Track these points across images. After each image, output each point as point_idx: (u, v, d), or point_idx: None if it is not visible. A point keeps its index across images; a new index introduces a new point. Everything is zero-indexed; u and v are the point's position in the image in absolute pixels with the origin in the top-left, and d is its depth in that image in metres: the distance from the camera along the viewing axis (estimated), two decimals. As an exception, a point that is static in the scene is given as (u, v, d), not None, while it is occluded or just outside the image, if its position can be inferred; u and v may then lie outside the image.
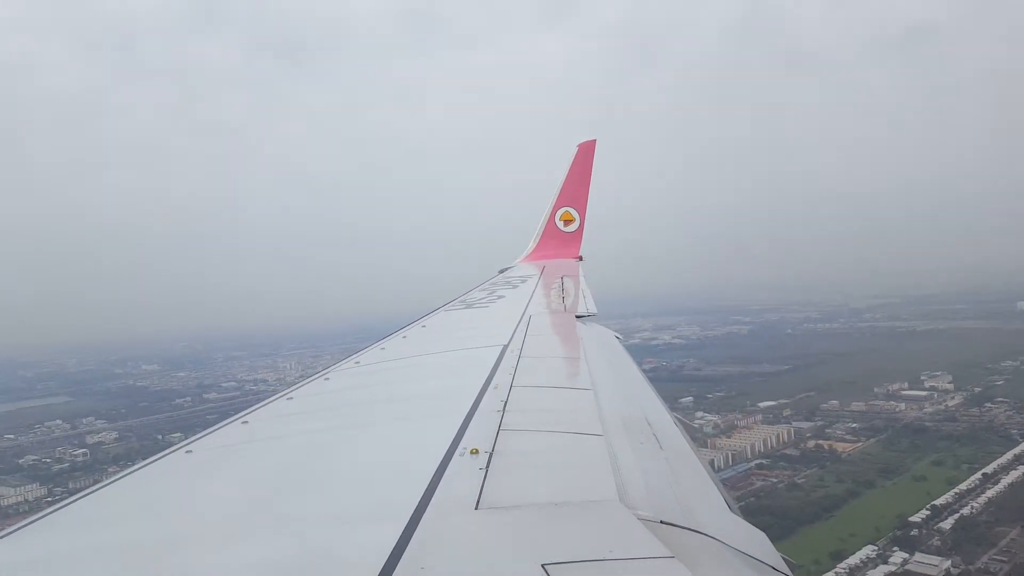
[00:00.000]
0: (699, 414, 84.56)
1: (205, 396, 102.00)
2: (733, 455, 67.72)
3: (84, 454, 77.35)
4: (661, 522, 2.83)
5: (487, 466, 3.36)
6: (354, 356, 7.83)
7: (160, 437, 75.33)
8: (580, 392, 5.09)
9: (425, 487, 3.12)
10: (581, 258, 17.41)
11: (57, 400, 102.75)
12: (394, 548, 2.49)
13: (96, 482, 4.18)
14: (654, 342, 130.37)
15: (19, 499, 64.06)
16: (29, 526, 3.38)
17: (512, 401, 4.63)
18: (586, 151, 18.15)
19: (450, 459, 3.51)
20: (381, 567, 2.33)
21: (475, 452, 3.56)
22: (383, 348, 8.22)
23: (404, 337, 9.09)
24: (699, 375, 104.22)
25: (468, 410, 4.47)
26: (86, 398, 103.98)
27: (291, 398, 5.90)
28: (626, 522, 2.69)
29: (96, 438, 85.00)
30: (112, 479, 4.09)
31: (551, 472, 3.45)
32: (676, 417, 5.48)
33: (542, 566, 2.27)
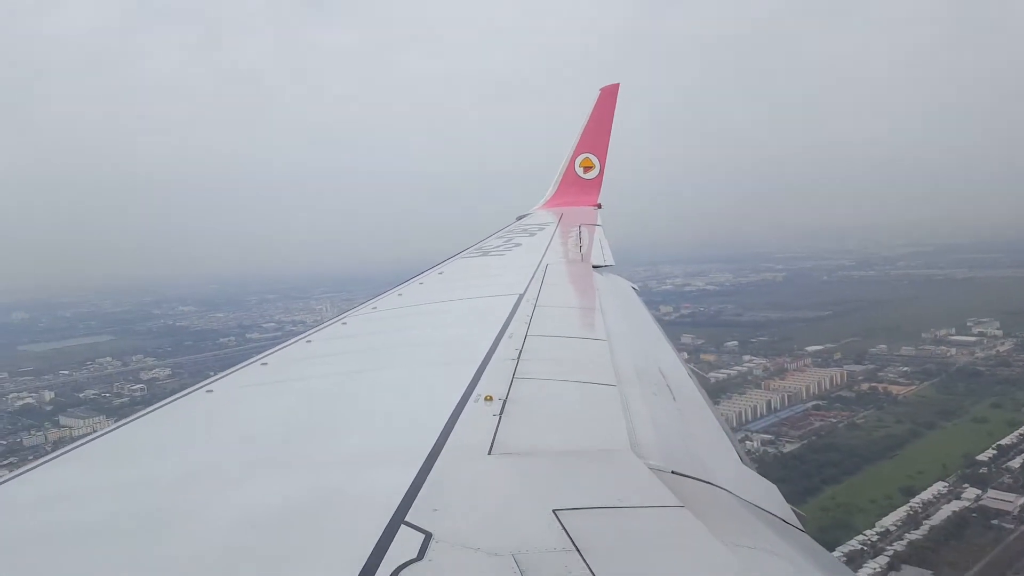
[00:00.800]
0: (746, 357, 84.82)
1: (248, 336, 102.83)
2: (789, 396, 68.12)
3: (141, 389, 78.80)
4: (672, 472, 2.88)
5: (500, 413, 3.43)
6: (371, 301, 7.93)
7: (212, 374, 75.92)
8: (595, 342, 5.15)
9: (439, 432, 3.20)
10: (600, 206, 17.12)
11: (101, 339, 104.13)
12: (408, 489, 2.57)
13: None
14: (687, 288, 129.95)
15: (88, 429, 65.44)
16: (52, 460, 3.49)
17: (527, 350, 4.70)
18: (608, 95, 17.60)
19: (464, 405, 3.59)
20: (395, 507, 2.42)
21: (489, 399, 3.63)
22: (400, 295, 8.32)
23: (421, 284, 9.16)
24: (739, 320, 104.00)
25: (483, 358, 4.54)
26: (129, 337, 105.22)
27: (309, 341, 6.05)
28: (637, 471, 2.75)
29: (150, 374, 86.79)
30: (135, 416, 4.21)
31: (564, 420, 3.53)
32: (691, 369, 5.50)
33: (553, 511, 2.34)
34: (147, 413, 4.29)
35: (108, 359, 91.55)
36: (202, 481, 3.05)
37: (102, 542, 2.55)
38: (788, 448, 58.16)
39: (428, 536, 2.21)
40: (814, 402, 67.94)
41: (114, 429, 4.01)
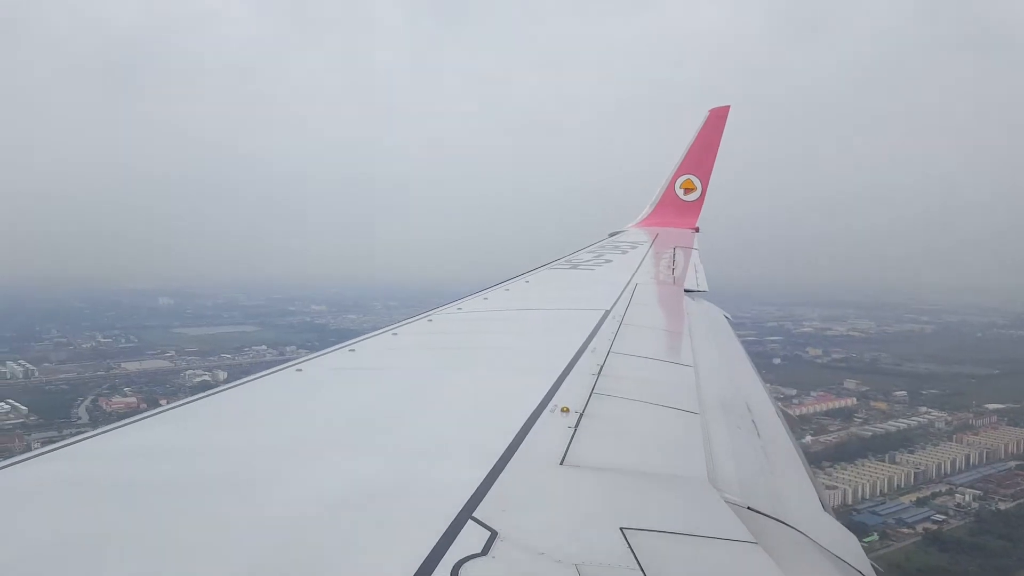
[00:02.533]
0: (922, 409, 79.75)
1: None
2: (987, 453, 63.44)
3: (305, 377, 79.48)
4: (748, 508, 2.83)
5: (576, 426, 3.43)
6: (457, 302, 8.03)
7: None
8: (680, 367, 5.10)
9: (513, 436, 3.24)
10: (698, 229, 16.69)
11: (248, 329, 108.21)
12: (478, 487, 2.62)
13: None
14: (828, 332, 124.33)
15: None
16: (143, 420, 3.70)
17: (608, 367, 4.66)
18: (717, 118, 17.09)
19: (540, 414, 3.60)
20: (465, 502, 2.47)
21: (565, 411, 3.62)
22: (485, 298, 8.37)
23: (506, 290, 9.14)
24: (899, 370, 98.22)
25: (563, 369, 4.54)
26: (273, 330, 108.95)
27: (395, 334, 6.21)
28: (712, 502, 2.72)
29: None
30: (226, 386, 4.42)
31: (641, 442, 3.51)
32: (779, 408, 5.32)
33: (620, 529, 2.33)
34: (240, 384, 4.50)
35: (263, 347, 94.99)
36: (284, 454, 3.20)
37: (185, 499, 2.67)
38: (1003, 506, 53.84)
39: (494, 534, 2.25)
40: (1015, 461, 63.06)
41: (208, 396, 4.22)
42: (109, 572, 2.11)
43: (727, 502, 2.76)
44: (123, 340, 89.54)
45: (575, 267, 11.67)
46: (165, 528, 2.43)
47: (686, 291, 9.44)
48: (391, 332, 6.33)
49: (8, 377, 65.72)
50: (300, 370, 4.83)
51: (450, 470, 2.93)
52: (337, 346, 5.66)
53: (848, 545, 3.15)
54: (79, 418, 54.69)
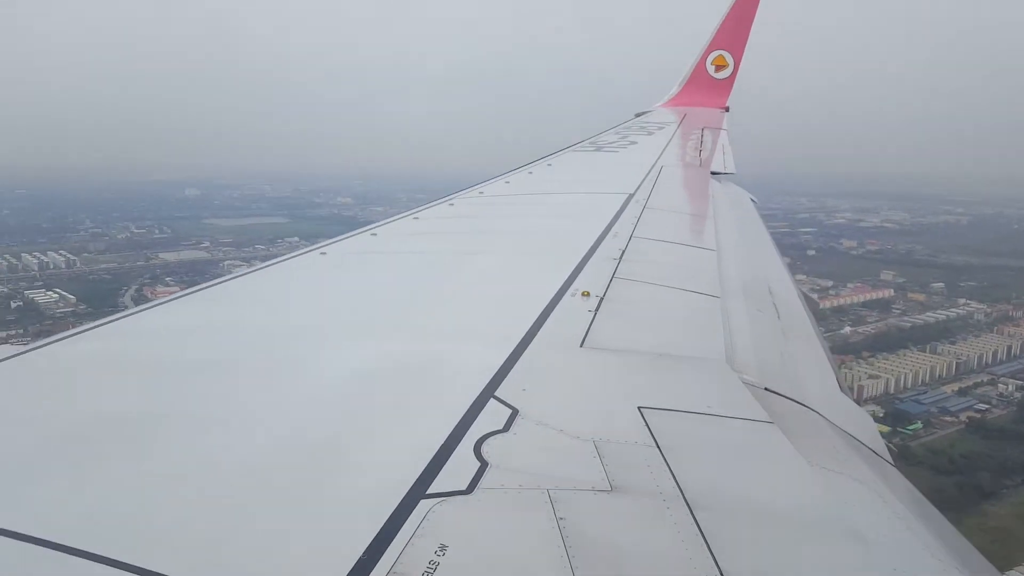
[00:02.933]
0: (961, 300, 79.27)
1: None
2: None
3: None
4: (765, 389, 2.87)
5: (596, 309, 3.46)
6: (479, 186, 7.90)
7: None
8: (702, 251, 5.06)
9: (534, 319, 3.28)
10: (727, 109, 15.88)
11: (278, 220, 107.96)
12: (500, 368, 2.69)
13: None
14: (862, 223, 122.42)
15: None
16: (174, 300, 3.85)
17: (630, 251, 4.67)
18: None
19: (560, 297, 3.64)
20: (487, 382, 2.54)
21: (586, 295, 3.66)
22: (507, 182, 8.20)
23: (529, 173, 8.92)
24: (935, 262, 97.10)
25: (584, 254, 4.56)
26: (302, 221, 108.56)
27: (417, 218, 6.18)
28: (729, 382, 2.75)
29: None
30: (252, 269, 4.56)
31: (660, 324, 3.51)
32: (800, 290, 5.29)
33: (638, 408, 2.39)
34: (266, 266, 4.55)
35: (296, 239, 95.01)
36: (308, 335, 3.27)
37: (223, 375, 2.78)
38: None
39: (515, 412, 2.32)
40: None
41: (234, 277, 4.29)
42: (140, 445, 2.18)
43: (744, 383, 2.78)
44: (156, 231, 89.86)
45: (599, 149, 11.33)
46: (198, 404, 2.51)
47: (713, 173, 9.13)
48: (412, 216, 6.28)
49: (51, 267, 66.54)
50: (324, 253, 4.87)
51: (472, 351, 2.98)
52: (359, 230, 5.63)
53: (864, 425, 3.18)
54: (126, 307, 54.71)
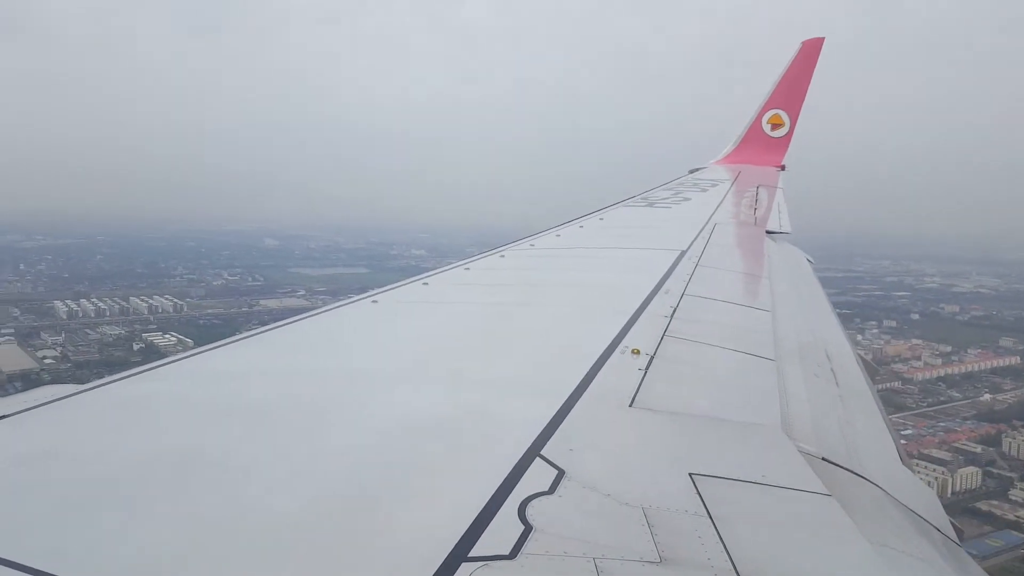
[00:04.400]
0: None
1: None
2: None
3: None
4: (823, 459, 2.77)
5: (647, 368, 3.37)
6: (529, 238, 7.91)
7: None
8: (757, 311, 4.92)
9: (582, 376, 3.20)
10: (783, 167, 15.74)
11: (360, 271, 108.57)
12: (546, 425, 2.62)
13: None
14: (956, 289, 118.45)
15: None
16: (232, 343, 3.89)
17: (682, 309, 4.58)
18: (810, 50, 16.01)
19: (610, 354, 3.56)
20: (532, 440, 2.48)
21: (636, 352, 3.57)
22: (558, 235, 8.18)
23: (580, 227, 8.91)
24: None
25: (635, 310, 4.47)
26: (383, 272, 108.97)
27: (468, 268, 6.23)
28: (785, 451, 2.66)
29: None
30: (304, 315, 4.56)
31: (713, 386, 3.41)
32: (860, 356, 5.05)
33: (689, 474, 2.31)
34: (321, 312, 4.64)
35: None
36: (356, 382, 3.27)
37: (266, 420, 2.78)
38: None
39: (561, 473, 2.24)
40: None
41: (288, 323, 4.35)
42: (191, 487, 2.19)
43: (801, 452, 2.67)
44: (249, 279, 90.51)
45: (651, 205, 11.18)
46: (241, 449, 2.51)
47: (768, 232, 8.95)
48: (463, 267, 6.29)
49: (159, 311, 67.07)
50: (375, 301, 4.88)
51: (518, 406, 2.91)
52: (410, 279, 5.64)
53: (928, 501, 3.00)
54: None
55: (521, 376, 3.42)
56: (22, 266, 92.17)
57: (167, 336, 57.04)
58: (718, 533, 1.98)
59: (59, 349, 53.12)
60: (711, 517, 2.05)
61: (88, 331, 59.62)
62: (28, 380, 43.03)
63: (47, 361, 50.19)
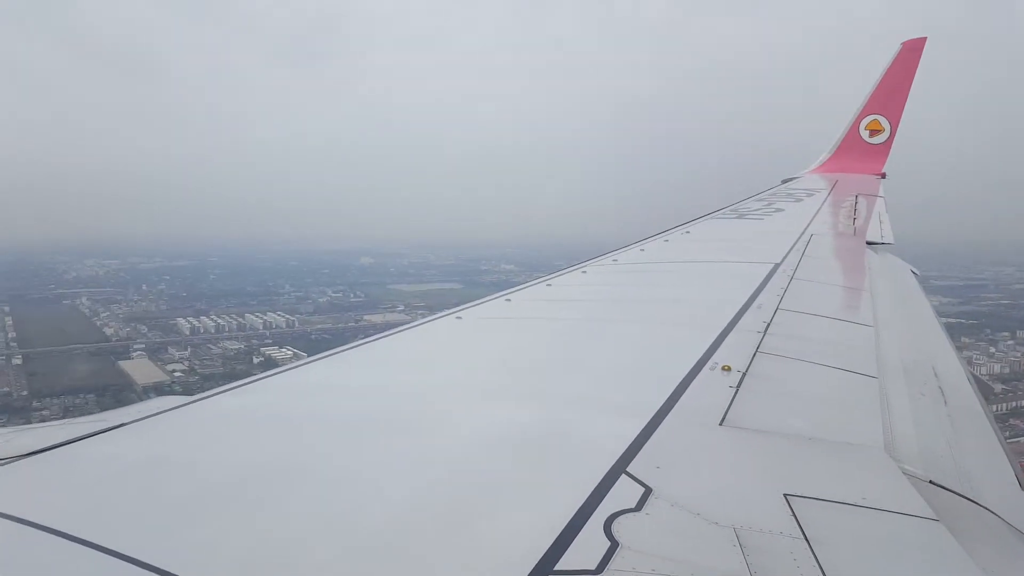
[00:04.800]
0: None
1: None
2: None
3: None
4: (930, 482, 2.65)
5: (738, 385, 3.30)
6: (612, 253, 7.83)
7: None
8: (857, 327, 4.68)
9: (670, 393, 3.16)
10: (884, 175, 14.95)
11: (454, 286, 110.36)
12: (632, 442, 2.59)
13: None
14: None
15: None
16: (321, 359, 4.04)
17: (776, 324, 4.44)
18: (911, 51, 15.31)
19: (699, 371, 3.50)
20: (618, 456, 2.46)
21: (727, 369, 3.50)
22: (642, 250, 8.07)
23: (666, 241, 8.76)
24: None
25: (725, 326, 4.37)
26: (477, 287, 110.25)
27: (549, 284, 6.25)
28: (888, 472, 2.55)
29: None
30: (389, 332, 4.66)
31: (809, 405, 3.28)
32: (970, 373, 4.70)
33: (784, 495, 2.24)
34: (406, 329, 4.73)
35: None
36: (442, 397, 3.33)
37: (359, 432, 2.87)
38: None
39: (648, 491, 2.22)
40: None
41: (373, 340, 4.46)
42: (292, 493, 2.28)
43: (905, 473, 2.57)
44: (352, 295, 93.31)
45: (742, 216, 10.83)
46: (332, 460, 2.59)
47: (868, 243, 8.57)
48: (545, 283, 6.27)
49: (273, 326, 69.89)
50: (459, 318, 4.96)
51: (604, 423, 2.89)
52: (493, 295, 5.65)
53: None
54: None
55: (606, 392, 3.39)
56: (144, 286, 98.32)
57: (283, 350, 59.45)
58: (815, 556, 1.91)
59: (186, 363, 56.23)
60: (807, 539, 1.98)
61: (210, 346, 62.97)
62: (161, 391, 45.67)
63: (176, 374, 53.25)
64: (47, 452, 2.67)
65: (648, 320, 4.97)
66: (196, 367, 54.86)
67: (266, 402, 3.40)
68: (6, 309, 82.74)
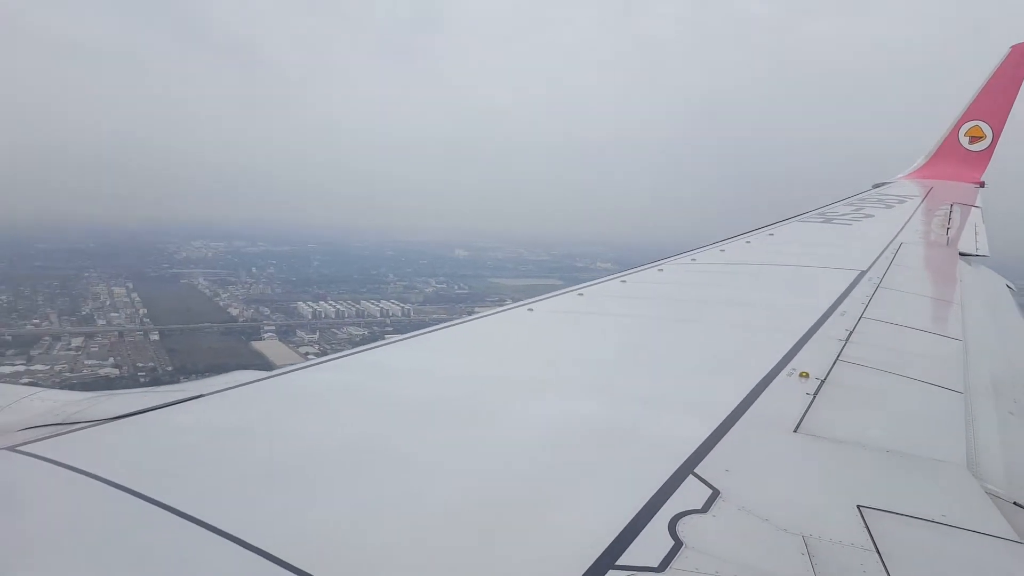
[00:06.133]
0: None
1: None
2: None
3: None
4: (1015, 503, 2.53)
5: (815, 393, 3.22)
6: (690, 252, 7.69)
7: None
8: (945, 340, 4.52)
9: (743, 396, 3.10)
10: (983, 184, 14.12)
11: (554, 282, 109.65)
12: (701, 444, 2.56)
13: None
14: None
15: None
16: (396, 343, 4.15)
17: (858, 333, 4.30)
18: (1020, 56, 14.19)
19: (775, 376, 3.42)
20: (686, 457, 2.43)
21: (805, 376, 3.42)
22: (722, 250, 7.92)
23: (747, 243, 8.61)
24: None
25: (805, 331, 4.26)
26: (576, 284, 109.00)
27: (624, 281, 6.17)
28: (969, 490, 2.45)
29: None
30: (462, 320, 4.70)
31: (890, 417, 3.17)
32: None
33: (857, 506, 2.19)
34: (477, 318, 4.77)
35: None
36: (514, 387, 3.35)
37: (429, 417, 2.92)
38: None
39: (716, 493, 2.18)
40: None
41: (445, 327, 4.47)
42: (359, 472, 2.34)
43: (988, 493, 2.46)
44: (455, 287, 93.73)
45: (829, 221, 10.46)
46: (403, 442, 2.64)
47: (961, 255, 8.17)
48: (619, 279, 6.19)
49: (389, 314, 70.63)
50: (531, 310, 4.99)
51: (673, 422, 2.86)
52: (565, 289, 5.67)
53: None
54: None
55: (677, 392, 3.35)
56: (254, 269, 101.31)
57: (407, 338, 59.85)
58: (886, 570, 1.85)
59: (316, 346, 57.23)
60: (879, 552, 1.92)
61: (335, 330, 64.01)
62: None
63: (309, 356, 54.15)
64: (131, 417, 2.80)
65: (724, 322, 4.87)
66: (327, 350, 56.01)
67: (340, 381, 3.50)
68: (130, 286, 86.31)
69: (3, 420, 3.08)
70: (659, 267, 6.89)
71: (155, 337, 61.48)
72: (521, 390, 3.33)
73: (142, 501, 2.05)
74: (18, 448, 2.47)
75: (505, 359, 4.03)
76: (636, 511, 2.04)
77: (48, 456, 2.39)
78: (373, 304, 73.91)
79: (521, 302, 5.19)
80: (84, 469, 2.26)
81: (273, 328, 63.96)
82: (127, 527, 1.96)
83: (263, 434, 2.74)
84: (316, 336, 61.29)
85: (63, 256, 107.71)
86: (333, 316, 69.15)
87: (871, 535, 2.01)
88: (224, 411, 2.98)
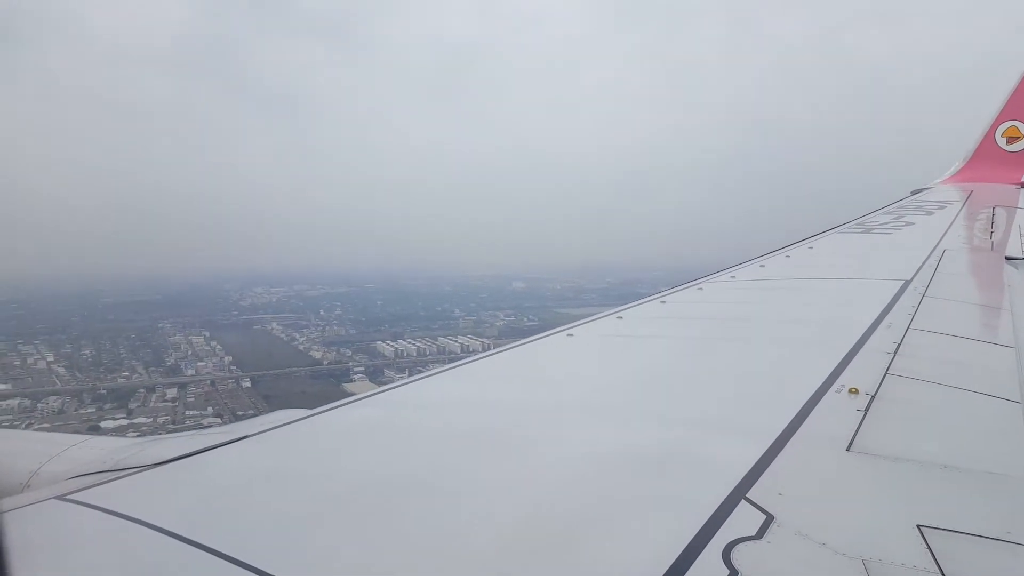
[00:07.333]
0: None
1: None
2: None
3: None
4: None
5: (866, 409, 3.13)
6: (730, 269, 7.56)
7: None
8: (997, 348, 4.34)
9: (792, 416, 3.03)
10: None
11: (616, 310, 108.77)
12: (752, 467, 2.49)
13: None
14: None
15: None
16: (433, 376, 4.16)
17: (907, 344, 4.17)
18: None
19: (824, 393, 3.34)
20: (737, 482, 2.36)
21: (854, 392, 3.32)
22: (762, 266, 7.77)
23: (787, 257, 8.44)
24: None
25: (852, 346, 4.14)
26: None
27: (663, 302, 6.11)
28: None
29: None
30: (501, 348, 4.67)
31: (944, 431, 3.08)
32: None
33: (917, 526, 2.11)
34: (517, 345, 4.75)
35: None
36: (553, 414, 3.32)
37: (474, 448, 2.89)
38: None
39: (770, 518, 2.13)
40: None
41: (485, 356, 4.49)
42: (404, 507, 2.31)
43: None
44: (525, 319, 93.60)
45: (868, 231, 10.24)
46: (443, 475, 2.61)
47: (1007, 259, 7.82)
48: (659, 300, 6.13)
49: (470, 350, 70.68)
50: (571, 335, 4.97)
51: (722, 446, 2.79)
52: (604, 313, 5.62)
53: None
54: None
55: (724, 413, 3.25)
56: (321, 312, 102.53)
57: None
58: None
59: (407, 386, 57.29)
60: (943, 573, 1.87)
61: (420, 368, 64.05)
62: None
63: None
64: (179, 461, 2.79)
65: (768, 339, 4.76)
66: (419, 390, 55.85)
67: (382, 416, 3.48)
68: (207, 334, 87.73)
69: (52, 469, 3.14)
70: (699, 286, 6.79)
71: (247, 384, 62.22)
72: (565, 416, 3.29)
73: (190, 547, 2.04)
74: (67, 497, 2.48)
75: (547, 385, 3.99)
76: (689, 539, 1.98)
77: (96, 504, 2.40)
78: (451, 340, 74.00)
79: (559, 328, 5.16)
80: (132, 516, 2.26)
81: (362, 368, 64.36)
82: (175, 573, 1.97)
83: (312, 474, 2.72)
84: (406, 375, 61.45)
85: (131, 309, 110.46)
86: (415, 354, 69.39)
87: (934, 556, 1.94)
88: (271, 451, 2.99)
